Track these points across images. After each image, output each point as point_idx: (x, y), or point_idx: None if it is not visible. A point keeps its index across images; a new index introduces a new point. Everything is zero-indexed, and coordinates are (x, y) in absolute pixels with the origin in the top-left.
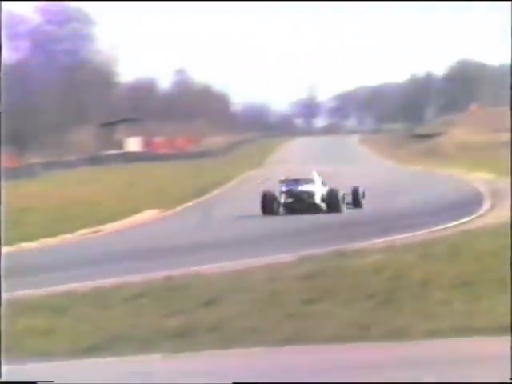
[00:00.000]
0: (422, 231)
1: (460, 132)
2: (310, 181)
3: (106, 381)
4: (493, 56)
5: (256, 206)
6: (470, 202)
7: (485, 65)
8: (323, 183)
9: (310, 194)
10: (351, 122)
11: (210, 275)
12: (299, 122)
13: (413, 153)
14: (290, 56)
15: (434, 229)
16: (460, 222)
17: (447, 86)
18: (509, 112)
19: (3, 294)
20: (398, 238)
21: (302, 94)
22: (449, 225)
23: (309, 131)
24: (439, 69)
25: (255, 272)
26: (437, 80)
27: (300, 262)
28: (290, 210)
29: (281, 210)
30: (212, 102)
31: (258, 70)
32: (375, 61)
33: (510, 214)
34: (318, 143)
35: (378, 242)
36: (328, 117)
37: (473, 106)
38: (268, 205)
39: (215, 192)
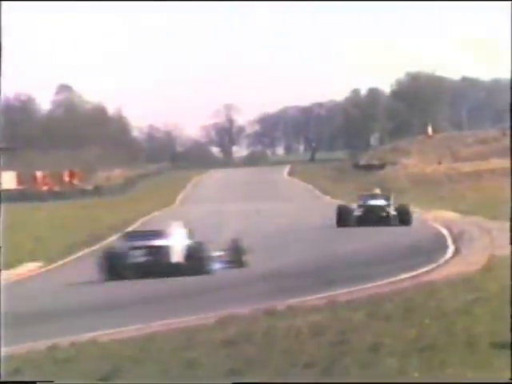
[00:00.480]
0: (371, 284)
1: (413, 162)
2: (384, 196)
3: None
4: (452, 68)
5: None
6: (429, 248)
7: (441, 78)
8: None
9: (382, 208)
10: (279, 151)
11: (108, 343)
12: (215, 150)
13: (357, 187)
14: (201, 69)
15: (385, 281)
16: (417, 272)
17: (396, 104)
18: (472, 137)
19: None
20: (340, 293)
21: (217, 117)
22: (404, 276)
23: (227, 162)
24: (385, 84)
25: (165, 337)
26: (383, 97)
27: (220, 325)
28: (363, 221)
29: (354, 221)
30: (107, 126)
31: (163, 87)
32: (306, 74)
33: (478, 261)
34: (239, 176)
35: (316, 297)
36: (250, 144)
37: (428, 130)
38: (342, 217)
39: (112, 239)
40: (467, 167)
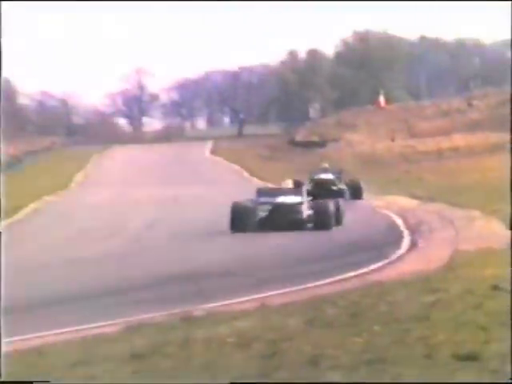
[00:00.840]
0: (309, 284)
1: (361, 138)
2: (333, 171)
3: None
4: (408, 26)
5: (63, 253)
6: (380, 241)
7: (395, 38)
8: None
9: (332, 182)
10: (200, 124)
11: None
12: (123, 123)
13: (294, 167)
14: (106, 25)
15: (326, 281)
16: (365, 269)
17: (340, 69)
18: (432, 109)
19: None
20: (273, 295)
21: (125, 82)
22: (349, 274)
23: (137, 137)
24: (328, 45)
25: (58, 351)
26: (325, 61)
27: (125, 334)
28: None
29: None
30: None
31: (58, 46)
32: (233, 33)
33: (438, 258)
34: (152, 154)
35: (243, 301)
36: (165, 115)
37: (379, 100)
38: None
39: None
40: (426, 145)
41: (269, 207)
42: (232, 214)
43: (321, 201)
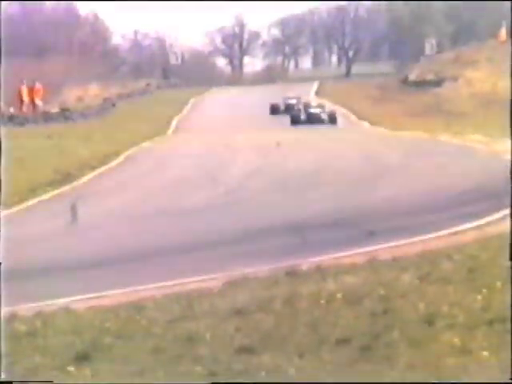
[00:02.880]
0: (423, 236)
1: (481, 75)
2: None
3: None
4: None
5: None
6: (500, 189)
7: None
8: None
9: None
10: (304, 63)
11: (85, 312)
12: (222, 63)
13: (406, 110)
14: None
15: (442, 232)
16: (484, 221)
17: (457, 0)
18: None
19: None
20: (385, 248)
21: (224, 20)
22: (466, 226)
23: (237, 78)
24: None
25: (158, 305)
26: None
27: (227, 289)
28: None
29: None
30: (76, 29)
31: None
32: None
33: None
34: (253, 97)
35: (352, 254)
36: (267, 54)
37: (501, 33)
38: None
39: (87, 178)
40: None
41: (307, 113)
42: (289, 116)
43: (332, 111)
